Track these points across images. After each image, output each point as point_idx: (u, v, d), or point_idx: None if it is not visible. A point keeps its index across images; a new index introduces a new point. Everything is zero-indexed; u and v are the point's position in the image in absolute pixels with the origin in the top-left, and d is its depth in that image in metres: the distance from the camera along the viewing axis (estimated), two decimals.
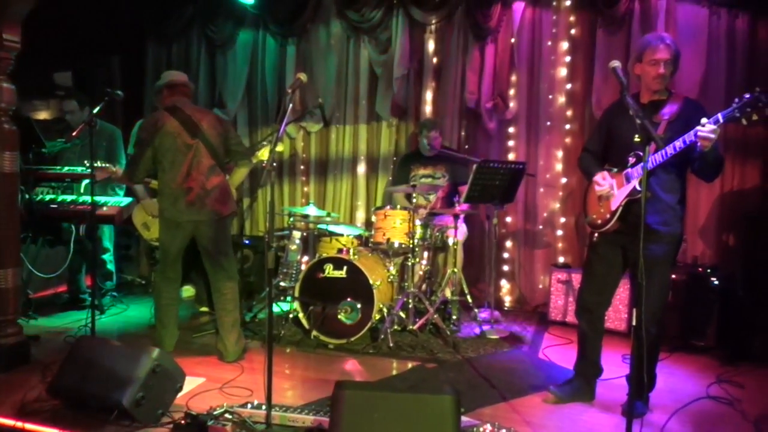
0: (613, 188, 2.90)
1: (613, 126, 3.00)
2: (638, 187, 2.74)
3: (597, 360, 3.14)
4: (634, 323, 2.36)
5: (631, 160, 2.84)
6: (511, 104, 5.07)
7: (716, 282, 3.97)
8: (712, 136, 2.51)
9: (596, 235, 3.05)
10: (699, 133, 2.51)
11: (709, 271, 4.06)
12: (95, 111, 3.55)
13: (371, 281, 3.90)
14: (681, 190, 2.87)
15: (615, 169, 2.95)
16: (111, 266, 4.85)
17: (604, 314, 3.14)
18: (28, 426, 2.64)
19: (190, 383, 3.16)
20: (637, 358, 2.42)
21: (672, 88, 2.97)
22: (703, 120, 2.54)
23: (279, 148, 4.97)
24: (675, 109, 2.79)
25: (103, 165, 4.21)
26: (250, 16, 5.65)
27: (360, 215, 5.59)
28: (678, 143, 2.63)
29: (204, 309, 4.71)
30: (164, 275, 3.66)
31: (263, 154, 4.31)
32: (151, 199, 4.31)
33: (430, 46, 5.27)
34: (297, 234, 4.52)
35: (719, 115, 2.52)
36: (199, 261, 3.90)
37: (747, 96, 2.46)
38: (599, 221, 2.97)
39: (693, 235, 4.60)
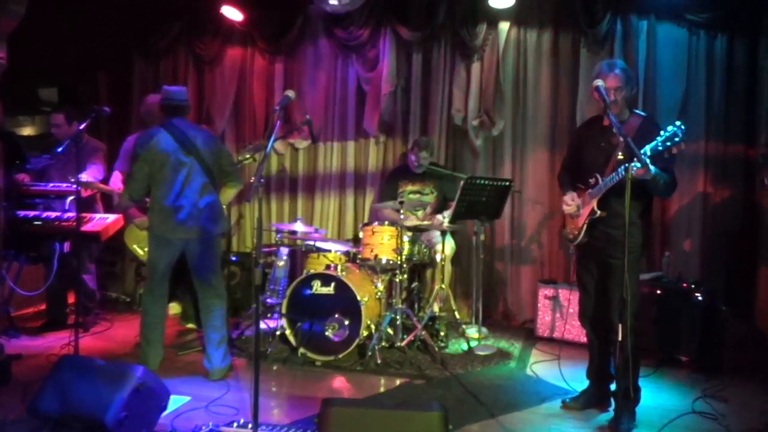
0: (579, 207, 3.12)
1: (579, 146, 3.22)
2: (596, 209, 2.98)
3: (606, 366, 3.22)
4: (619, 338, 2.39)
5: (592, 181, 3.03)
6: (497, 121, 5.13)
7: (700, 297, 4.02)
8: (642, 171, 2.67)
9: (572, 247, 3.24)
10: (630, 170, 2.65)
11: (693, 286, 4.11)
12: (81, 127, 3.52)
13: (359, 297, 3.90)
14: (641, 206, 3.02)
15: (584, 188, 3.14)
16: (92, 285, 4.77)
17: (605, 320, 3.19)
18: None
19: (175, 402, 3.12)
20: (621, 373, 2.46)
21: (637, 105, 3.12)
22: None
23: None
24: (630, 130, 2.90)
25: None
26: (238, 32, 5.67)
27: (348, 231, 5.59)
28: (615, 176, 2.85)
29: (190, 326, 4.66)
30: (151, 292, 3.63)
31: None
32: (142, 216, 4.20)
33: (417, 63, 5.33)
34: (284, 250, 4.50)
35: (647, 148, 2.69)
36: (185, 278, 3.86)
37: (668, 130, 2.64)
38: (571, 236, 3.18)
39: (677, 250, 4.66)
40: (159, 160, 3.48)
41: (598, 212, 2.99)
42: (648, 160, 2.65)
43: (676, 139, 2.63)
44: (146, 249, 4.20)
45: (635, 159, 2.58)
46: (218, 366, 3.58)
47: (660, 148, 2.67)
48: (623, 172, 2.73)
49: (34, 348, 4.10)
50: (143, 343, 3.64)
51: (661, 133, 2.67)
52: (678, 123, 2.64)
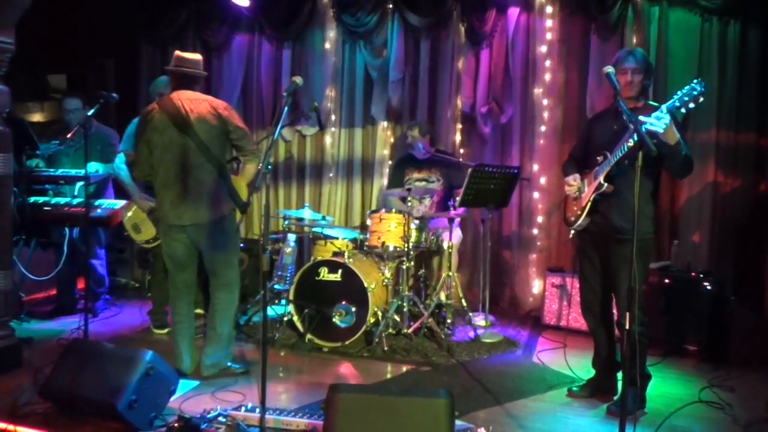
0: (581, 189, 3.12)
1: (592, 133, 3.22)
2: (602, 182, 2.96)
3: (611, 356, 3.23)
4: (627, 326, 2.39)
5: (599, 159, 3.02)
6: (506, 109, 5.10)
7: (708, 287, 4.00)
8: (659, 125, 2.65)
9: (572, 233, 3.22)
10: (646, 125, 2.63)
11: (701, 276, 4.09)
12: (90, 113, 3.53)
13: (366, 284, 3.91)
14: (649, 191, 3.00)
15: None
16: (102, 270, 4.82)
17: (609, 310, 3.22)
18: (21, 429, 2.63)
19: (184, 386, 3.15)
20: (628, 362, 2.47)
21: (650, 97, 3.11)
22: (653, 115, 2.70)
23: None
24: (646, 116, 2.86)
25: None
26: (245, 19, 5.65)
27: (355, 218, 5.60)
28: (624, 147, 2.83)
29: (198, 311, 4.69)
30: (172, 285, 3.44)
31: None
32: (146, 197, 4.10)
33: (426, 50, 5.29)
34: (292, 237, 4.52)
35: (663, 107, 2.70)
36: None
37: (685, 88, 2.64)
38: (572, 218, 3.17)
39: (686, 240, 4.63)
40: (153, 140, 3.29)
41: (605, 185, 2.95)
42: (668, 117, 2.64)
43: (694, 93, 2.59)
44: (142, 232, 4.15)
45: (645, 140, 2.53)
46: (205, 363, 3.38)
47: (677, 104, 2.64)
48: (634, 139, 2.69)
49: (44, 332, 4.16)
50: (174, 345, 3.43)
51: (677, 92, 2.65)
52: (697, 79, 2.63)
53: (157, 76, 5.92)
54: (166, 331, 4.24)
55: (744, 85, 4.52)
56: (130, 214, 4.18)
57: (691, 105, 2.62)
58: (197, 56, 3.47)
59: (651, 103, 3.09)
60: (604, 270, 3.13)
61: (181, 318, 3.44)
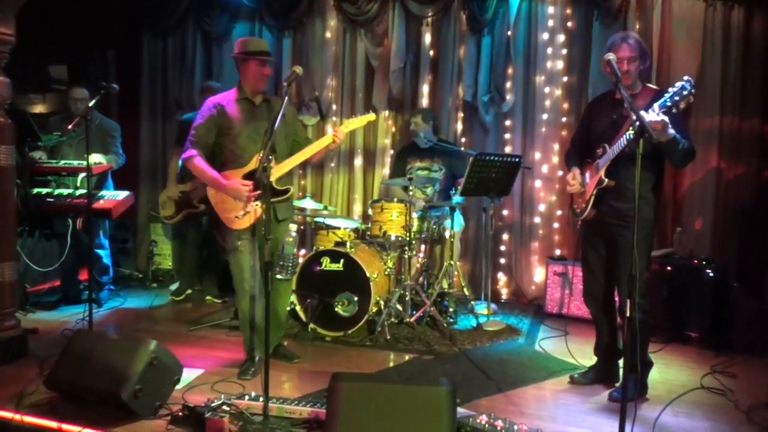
0: (584, 182, 3.12)
1: (591, 120, 3.18)
2: (603, 177, 2.96)
3: (613, 343, 3.24)
4: (627, 313, 2.39)
5: (599, 151, 3.01)
6: (508, 97, 5.07)
7: (711, 274, 3.99)
8: (659, 126, 2.62)
9: (579, 223, 3.24)
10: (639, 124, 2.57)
11: (704, 262, 4.08)
12: (91, 104, 3.53)
13: (368, 274, 3.92)
14: (651, 180, 2.98)
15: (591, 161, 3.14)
16: (107, 260, 4.86)
17: (612, 298, 3.22)
18: (26, 419, 2.65)
19: (188, 376, 3.17)
20: (629, 349, 2.48)
21: (650, 79, 3.06)
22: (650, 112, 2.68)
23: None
24: (642, 104, 2.85)
25: None
26: (245, 8, 5.63)
27: (357, 208, 5.59)
28: (623, 141, 2.83)
29: (207, 298, 4.85)
30: None
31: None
32: (175, 185, 4.51)
33: (427, 38, 5.26)
34: (294, 227, 4.52)
35: (655, 106, 2.66)
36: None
37: (676, 86, 2.59)
38: (578, 210, 3.17)
39: (689, 227, 4.62)
40: None
41: (606, 181, 2.95)
42: (665, 118, 2.61)
43: (684, 93, 2.56)
44: (165, 209, 4.54)
45: (646, 128, 2.51)
46: None
47: (668, 103, 2.61)
48: (632, 136, 2.70)
49: (49, 323, 4.19)
50: None
51: (669, 90, 2.62)
52: (686, 78, 2.59)
53: (158, 66, 5.98)
54: (181, 297, 4.66)
55: (748, 71, 4.49)
56: (162, 194, 4.64)
57: (683, 105, 2.60)
58: (247, 38, 3.37)
59: (650, 85, 3.06)
60: (607, 258, 3.13)
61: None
